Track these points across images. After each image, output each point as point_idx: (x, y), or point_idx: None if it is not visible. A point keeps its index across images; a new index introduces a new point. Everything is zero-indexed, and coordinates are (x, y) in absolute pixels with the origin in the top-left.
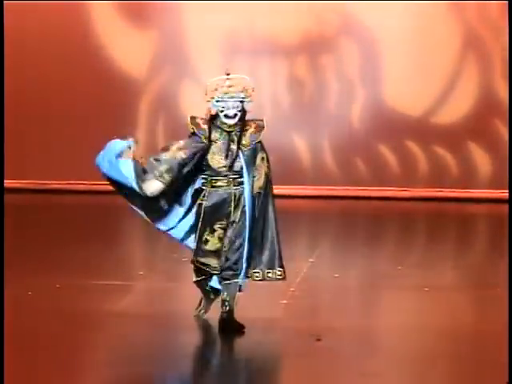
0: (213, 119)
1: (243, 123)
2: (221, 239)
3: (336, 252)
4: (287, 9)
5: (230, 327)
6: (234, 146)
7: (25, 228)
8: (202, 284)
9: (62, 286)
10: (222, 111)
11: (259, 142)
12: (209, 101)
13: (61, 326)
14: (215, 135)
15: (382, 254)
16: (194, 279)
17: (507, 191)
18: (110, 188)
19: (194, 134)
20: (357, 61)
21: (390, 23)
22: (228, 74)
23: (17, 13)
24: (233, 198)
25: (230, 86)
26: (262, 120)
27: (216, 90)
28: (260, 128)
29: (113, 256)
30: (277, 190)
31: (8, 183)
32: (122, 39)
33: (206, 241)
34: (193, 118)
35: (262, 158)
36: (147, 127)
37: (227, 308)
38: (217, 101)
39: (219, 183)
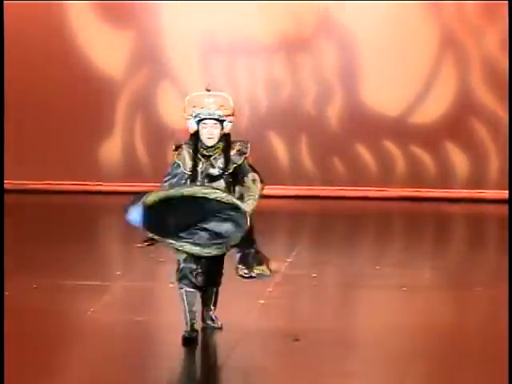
0: (195, 143)
1: (225, 145)
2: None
3: (314, 252)
4: (265, 9)
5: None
6: (213, 170)
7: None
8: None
9: (39, 286)
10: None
11: (241, 164)
12: (188, 118)
13: (37, 327)
14: (197, 163)
15: (360, 253)
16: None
17: (485, 191)
18: (88, 188)
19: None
20: (334, 61)
21: (368, 23)
22: (208, 90)
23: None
24: None
25: (209, 102)
26: (246, 142)
27: (194, 106)
28: (241, 152)
29: (90, 256)
30: None
31: None
32: (99, 39)
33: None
34: (178, 147)
35: (254, 180)
36: (124, 127)
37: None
38: (195, 117)
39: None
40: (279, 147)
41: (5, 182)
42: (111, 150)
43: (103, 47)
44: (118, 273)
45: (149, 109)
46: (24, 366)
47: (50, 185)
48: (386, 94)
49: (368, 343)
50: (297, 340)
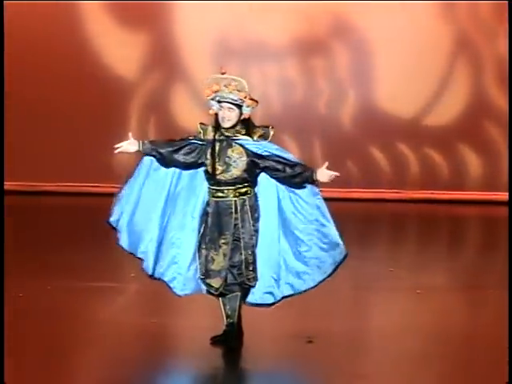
0: (216, 122)
1: (247, 129)
2: (225, 255)
3: None
4: (278, 10)
5: (228, 342)
6: (231, 153)
7: (15, 230)
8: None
9: (53, 287)
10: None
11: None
12: (209, 99)
13: (52, 328)
14: (215, 139)
15: (374, 255)
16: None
17: (499, 193)
18: (101, 190)
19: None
20: (348, 62)
21: (381, 25)
22: (223, 73)
23: (5, 13)
24: (234, 209)
25: (224, 85)
26: (268, 127)
27: (211, 88)
28: (264, 136)
29: (104, 258)
30: None
31: None
32: (113, 40)
33: (212, 260)
34: (202, 124)
35: None
36: (138, 129)
37: (230, 321)
38: (212, 99)
39: (219, 193)
40: (292, 149)
41: (18, 183)
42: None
43: (117, 48)
44: (132, 275)
45: (162, 110)
46: (38, 368)
47: (63, 187)
48: (399, 95)
49: (381, 345)
50: (310, 342)
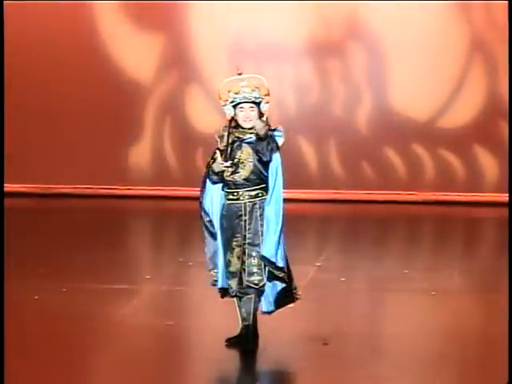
0: (232, 127)
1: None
2: (239, 258)
3: (343, 256)
4: (294, 12)
5: (244, 345)
6: (240, 154)
7: (30, 232)
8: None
9: (68, 289)
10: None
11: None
12: (224, 105)
13: (67, 330)
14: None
15: (389, 257)
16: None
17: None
18: (117, 192)
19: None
20: (363, 64)
21: (396, 27)
22: (240, 74)
23: (18, 13)
24: (243, 211)
25: (243, 86)
26: (270, 128)
27: (229, 91)
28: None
29: (119, 260)
30: (284, 193)
31: (13, 187)
32: (128, 42)
33: (229, 262)
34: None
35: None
36: (154, 131)
37: (245, 323)
38: (231, 102)
39: (230, 196)
40: (308, 151)
41: (34, 185)
42: (140, 153)
43: (132, 51)
44: (148, 277)
45: (178, 112)
46: (54, 369)
47: (78, 189)
48: (414, 97)
49: (397, 347)
50: (326, 344)
